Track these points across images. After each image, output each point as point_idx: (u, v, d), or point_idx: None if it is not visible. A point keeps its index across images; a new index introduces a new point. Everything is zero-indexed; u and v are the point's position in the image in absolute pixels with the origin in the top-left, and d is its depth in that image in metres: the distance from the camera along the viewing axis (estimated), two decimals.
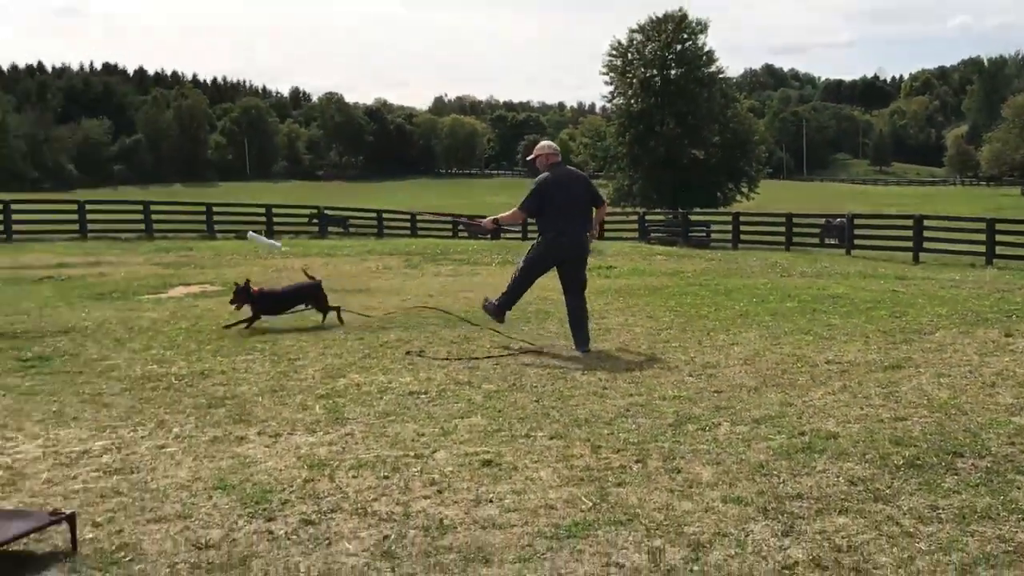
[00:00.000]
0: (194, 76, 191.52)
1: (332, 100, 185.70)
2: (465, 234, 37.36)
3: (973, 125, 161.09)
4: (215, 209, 33.07)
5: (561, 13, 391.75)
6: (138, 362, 8.74)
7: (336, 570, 4.18)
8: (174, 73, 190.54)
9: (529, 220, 10.15)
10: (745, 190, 66.61)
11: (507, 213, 9.79)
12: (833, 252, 28.24)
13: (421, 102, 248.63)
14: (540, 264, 9.56)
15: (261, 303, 10.66)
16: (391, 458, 5.74)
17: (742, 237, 32.14)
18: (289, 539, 4.53)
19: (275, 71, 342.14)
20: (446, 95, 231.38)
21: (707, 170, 63.49)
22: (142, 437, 6.30)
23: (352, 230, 36.91)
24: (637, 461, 5.62)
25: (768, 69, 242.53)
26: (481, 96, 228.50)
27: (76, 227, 28.51)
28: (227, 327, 10.41)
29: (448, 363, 8.51)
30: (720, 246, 31.88)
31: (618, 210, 54.03)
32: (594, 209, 9.62)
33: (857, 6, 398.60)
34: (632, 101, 65.37)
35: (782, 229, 31.07)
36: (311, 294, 11.05)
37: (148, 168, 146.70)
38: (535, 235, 9.70)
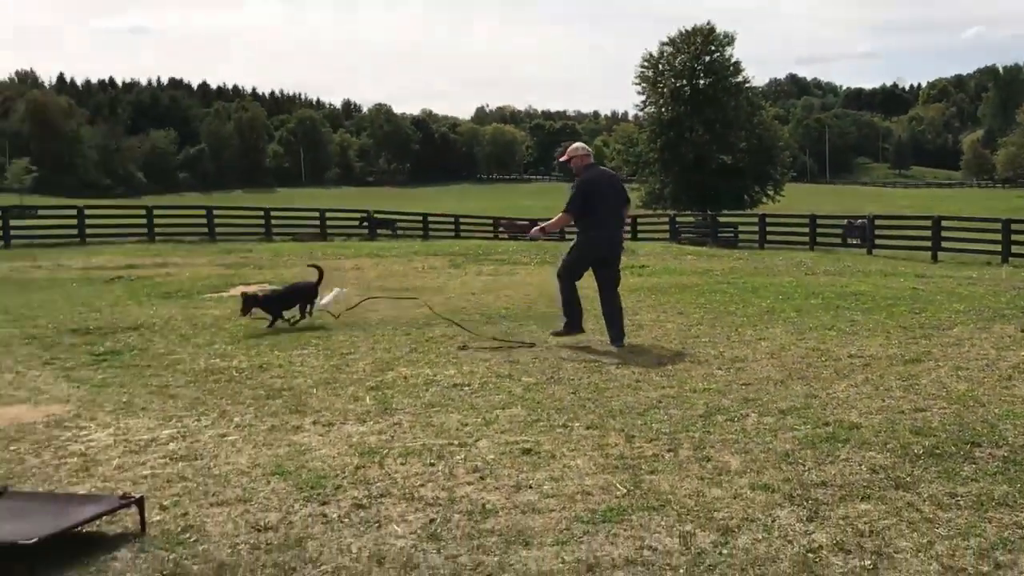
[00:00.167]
0: (253, 90, 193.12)
1: (381, 111, 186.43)
2: (505, 236, 37.39)
3: (988, 130, 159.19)
4: (273, 214, 33.27)
5: (595, 28, 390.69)
6: (201, 356, 8.82)
7: (385, 551, 4.19)
8: (235, 87, 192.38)
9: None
10: (771, 193, 66.22)
11: (553, 220, 9.57)
12: (855, 251, 27.97)
13: (464, 112, 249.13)
14: (580, 265, 9.33)
15: (268, 304, 10.56)
16: (437, 446, 5.75)
17: (768, 237, 31.92)
18: (342, 522, 4.54)
19: (328, 84, 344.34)
20: (487, 105, 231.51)
21: (734, 174, 63.18)
22: (205, 426, 6.35)
23: (399, 232, 37.02)
24: (669, 450, 5.59)
25: (792, 78, 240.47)
26: (520, 106, 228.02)
27: (144, 231, 28.81)
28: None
29: (489, 358, 8.50)
30: (747, 246, 31.68)
31: (650, 212, 53.93)
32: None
33: (876, 18, 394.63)
34: (663, 109, 65.17)
35: (806, 230, 30.82)
36: (309, 293, 10.85)
37: (211, 175, 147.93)
38: (572, 235, 9.59)
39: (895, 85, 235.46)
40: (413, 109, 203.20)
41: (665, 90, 65.27)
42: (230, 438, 6.04)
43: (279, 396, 7.15)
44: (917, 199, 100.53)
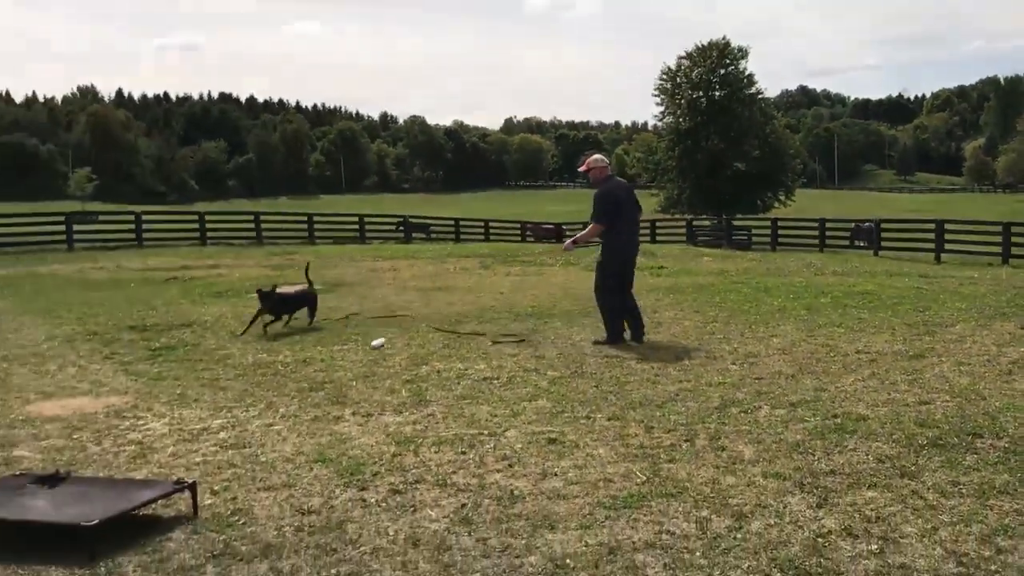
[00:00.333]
0: (297, 103, 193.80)
1: (416, 122, 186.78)
2: (532, 239, 37.37)
3: (990, 138, 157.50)
4: (315, 219, 33.39)
5: (617, 44, 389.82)
6: (250, 351, 8.87)
7: (420, 534, 4.20)
8: (280, 100, 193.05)
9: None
10: (782, 198, 65.71)
11: (585, 231, 9.39)
12: (862, 253, 27.74)
13: (493, 123, 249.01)
14: (612, 270, 9.19)
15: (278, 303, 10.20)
16: (468, 436, 5.76)
17: (780, 240, 31.73)
18: (379, 506, 4.56)
19: (366, 97, 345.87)
20: (515, 116, 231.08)
21: (748, 180, 62.76)
22: (253, 416, 6.39)
23: (433, 236, 37.07)
24: (686, 440, 5.58)
25: (802, 90, 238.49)
26: (546, 117, 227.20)
27: (197, 235, 28.97)
28: (242, 333, 9.79)
29: (517, 353, 8.50)
30: (760, 248, 31.49)
31: (668, 216, 53.72)
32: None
33: (883, 33, 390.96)
34: (680, 120, 64.83)
35: (816, 233, 30.62)
36: (310, 298, 10.52)
37: (258, 183, 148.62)
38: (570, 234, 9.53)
39: (900, 96, 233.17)
40: (445, 120, 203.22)
41: (683, 101, 64.93)
42: (276, 428, 6.08)
43: (321, 389, 7.19)
44: (921, 203, 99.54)
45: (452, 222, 38.33)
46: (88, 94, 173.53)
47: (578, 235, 9.53)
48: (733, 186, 62.02)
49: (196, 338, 9.65)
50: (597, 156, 9.61)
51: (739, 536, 4.10)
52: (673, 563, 3.85)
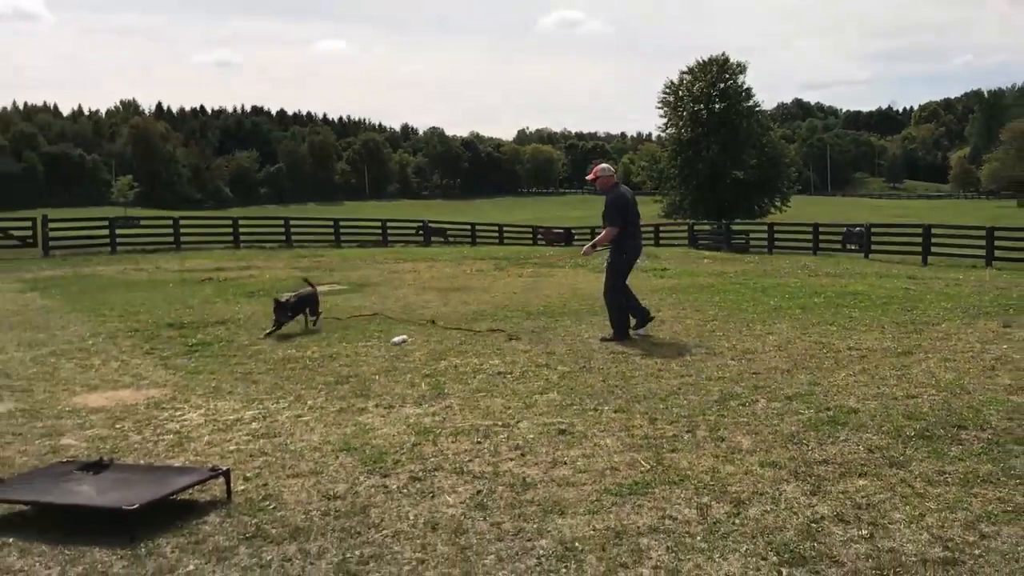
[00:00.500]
0: (324, 115, 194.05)
1: (435, 133, 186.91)
2: (543, 242, 37.34)
3: (974, 148, 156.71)
4: (341, 223, 33.38)
5: (623, 59, 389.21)
6: (280, 347, 8.89)
7: (438, 518, 4.20)
8: (308, 113, 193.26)
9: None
10: (778, 204, 65.52)
11: (602, 235, 9.24)
12: (853, 256, 27.58)
13: (507, 133, 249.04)
14: (622, 276, 9.22)
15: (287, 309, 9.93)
16: (483, 427, 5.76)
17: (776, 243, 31.58)
18: (400, 492, 4.56)
19: (388, 110, 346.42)
20: (528, 128, 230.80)
21: (746, 188, 62.58)
22: (283, 408, 6.40)
23: (451, 239, 37.09)
24: (687, 431, 5.56)
25: (797, 103, 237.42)
26: (556, 128, 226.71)
27: (231, 238, 29.02)
28: (269, 335, 9.51)
29: (529, 349, 8.50)
30: (757, 251, 31.36)
31: (671, 221, 53.63)
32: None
33: (873, 48, 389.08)
34: (682, 131, 64.73)
35: (810, 236, 30.47)
36: (312, 300, 10.21)
37: (287, 190, 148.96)
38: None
39: (890, 108, 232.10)
40: (462, 131, 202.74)
41: (684, 113, 64.84)
42: (304, 418, 6.09)
43: (346, 382, 7.19)
44: (909, 209, 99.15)
45: (468, 226, 38.35)
46: (130, 107, 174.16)
47: (595, 239, 9.38)
48: (732, 193, 61.90)
49: (230, 335, 9.67)
50: (604, 165, 9.63)
51: (737, 521, 4.08)
52: (675, 546, 3.84)
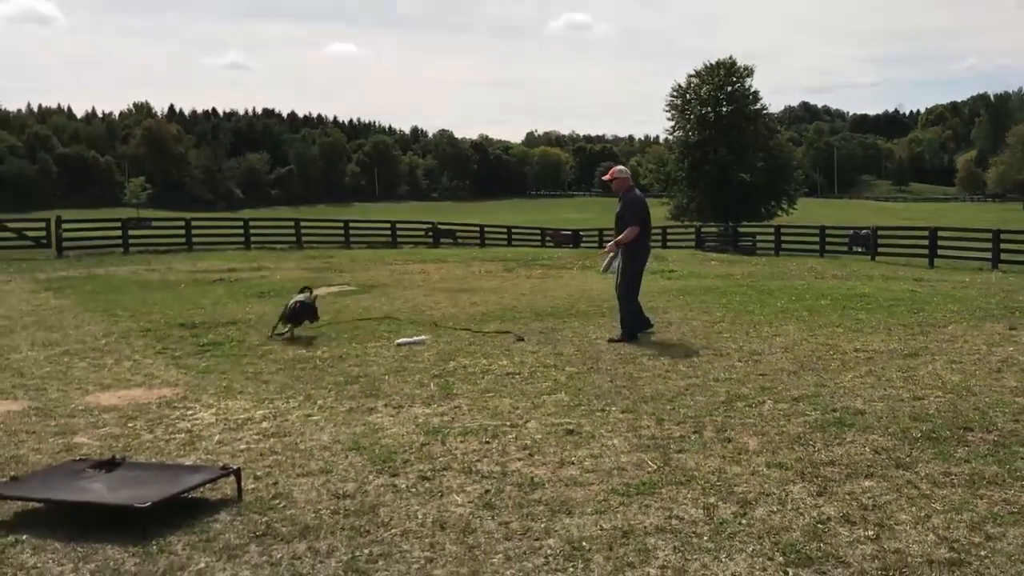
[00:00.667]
0: (334, 118, 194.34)
1: (444, 136, 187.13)
2: (552, 244, 37.32)
3: (980, 151, 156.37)
4: (351, 225, 33.41)
5: (630, 62, 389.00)
6: (290, 347, 8.90)
7: (447, 517, 4.20)
8: (319, 115, 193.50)
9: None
10: (785, 206, 65.44)
11: (625, 233, 9.08)
12: (860, 258, 27.51)
13: (516, 136, 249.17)
14: (639, 276, 9.26)
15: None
16: (491, 427, 5.76)
17: (783, 246, 31.49)
18: (409, 491, 4.57)
19: (398, 112, 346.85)
20: (536, 130, 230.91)
21: (753, 190, 62.50)
22: (293, 407, 6.41)
23: (460, 241, 37.08)
24: (694, 432, 5.55)
25: (804, 106, 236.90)
26: (564, 131, 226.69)
27: (242, 239, 29.04)
28: (278, 335, 9.44)
29: (537, 350, 8.50)
30: (764, 253, 31.30)
31: (678, 223, 53.57)
32: None
33: (880, 52, 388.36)
34: (690, 133, 64.69)
35: (816, 239, 30.37)
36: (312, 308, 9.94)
37: (298, 192, 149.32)
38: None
39: (896, 111, 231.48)
40: (471, 134, 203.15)
41: (692, 116, 64.80)
42: (314, 418, 6.10)
43: (356, 382, 7.20)
44: (916, 212, 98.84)
45: (477, 228, 38.32)
46: (143, 109, 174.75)
47: (619, 237, 9.19)
48: (739, 195, 61.83)
49: (241, 335, 9.69)
50: (621, 167, 9.66)
51: (744, 522, 4.08)
52: (682, 546, 3.83)
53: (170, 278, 17.09)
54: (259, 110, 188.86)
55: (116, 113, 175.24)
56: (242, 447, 5.43)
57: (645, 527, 4.04)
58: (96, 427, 5.97)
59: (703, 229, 39.45)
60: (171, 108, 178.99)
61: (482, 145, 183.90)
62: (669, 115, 65.93)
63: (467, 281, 16.10)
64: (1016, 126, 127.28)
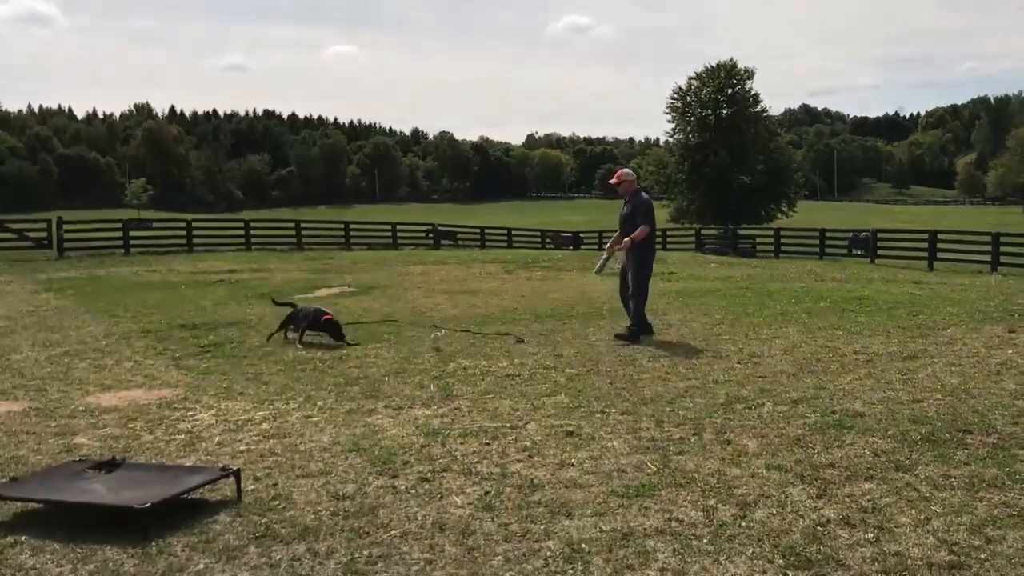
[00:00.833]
0: (335, 119, 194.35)
1: (444, 137, 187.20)
2: (551, 246, 37.32)
3: (980, 154, 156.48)
4: (351, 226, 33.42)
5: (630, 64, 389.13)
6: (290, 348, 8.90)
7: (446, 519, 4.19)
8: (319, 117, 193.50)
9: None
10: (785, 209, 65.42)
11: (638, 231, 9.08)
12: (859, 261, 27.51)
13: (516, 138, 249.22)
14: (649, 270, 9.40)
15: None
16: (491, 428, 5.75)
17: (782, 248, 31.50)
18: (409, 493, 4.56)
19: (399, 114, 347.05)
20: (536, 132, 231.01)
21: (753, 192, 62.49)
22: (293, 409, 6.41)
23: (460, 243, 37.07)
24: (694, 434, 5.55)
25: (805, 108, 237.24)
26: (565, 133, 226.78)
27: (243, 240, 29.03)
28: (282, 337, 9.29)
29: (537, 352, 8.49)
30: (764, 256, 31.30)
31: (678, 226, 53.58)
32: None
33: (880, 55, 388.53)
34: (690, 136, 64.68)
35: (816, 241, 30.36)
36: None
37: (298, 193, 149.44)
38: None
39: (896, 114, 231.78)
40: (472, 136, 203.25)
41: (692, 119, 64.79)
42: (314, 419, 6.09)
43: (356, 384, 7.20)
44: (915, 215, 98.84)
45: (478, 230, 38.32)
46: (143, 110, 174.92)
47: (634, 234, 9.13)
48: (739, 198, 61.82)
49: (241, 336, 9.69)
50: (627, 170, 9.76)
51: (743, 524, 4.07)
52: (681, 548, 3.83)
53: (171, 279, 17.09)
54: (260, 111, 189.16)
55: (117, 114, 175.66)
56: (242, 448, 5.42)
57: (645, 529, 4.03)
58: (96, 428, 5.97)
59: (703, 231, 39.46)
60: (172, 109, 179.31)
61: (482, 147, 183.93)
62: (669, 117, 65.97)
63: (467, 283, 16.10)
64: (1016, 129, 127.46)
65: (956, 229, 32.02)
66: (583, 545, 3.87)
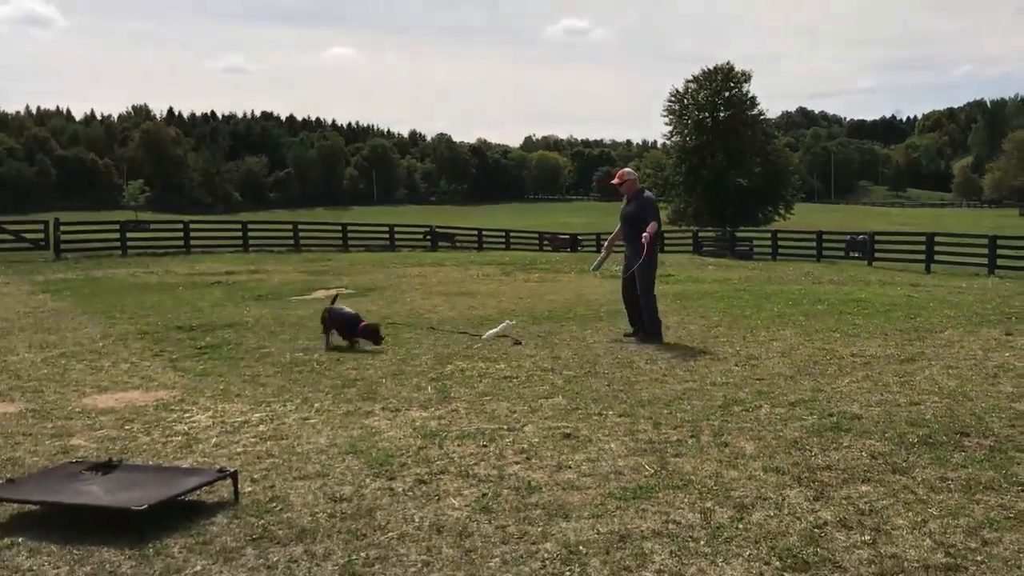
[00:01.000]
0: (333, 121, 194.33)
1: (442, 139, 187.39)
2: (549, 248, 37.31)
3: (977, 157, 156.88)
4: (349, 228, 33.39)
5: (628, 67, 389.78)
6: (287, 350, 8.89)
7: (444, 521, 4.19)
8: (317, 119, 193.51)
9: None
10: (782, 211, 65.56)
11: (649, 229, 9.02)
12: (857, 263, 27.55)
13: (514, 140, 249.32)
14: (656, 268, 9.48)
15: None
16: (488, 430, 5.75)
17: (780, 250, 31.54)
18: (406, 495, 4.55)
19: (397, 116, 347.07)
20: (534, 134, 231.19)
21: (750, 195, 62.60)
22: (290, 410, 6.40)
23: (458, 244, 37.05)
24: (691, 436, 5.54)
25: (802, 111, 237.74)
26: (563, 135, 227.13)
27: (240, 242, 29.00)
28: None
29: (535, 354, 8.49)
30: (761, 258, 31.33)
31: (675, 228, 53.59)
32: None
33: (877, 58, 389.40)
34: (687, 138, 64.81)
35: (813, 244, 30.42)
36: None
37: (296, 195, 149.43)
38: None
39: (894, 117, 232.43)
40: (470, 138, 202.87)
41: (689, 121, 64.93)
42: (311, 421, 6.08)
43: (353, 385, 7.19)
44: (912, 217, 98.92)
45: (475, 232, 38.29)
46: (142, 112, 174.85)
47: (649, 229, 9.02)
48: (736, 200, 61.94)
49: (239, 337, 9.68)
50: (629, 170, 9.80)
51: (741, 526, 4.07)
52: (679, 550, 3.82)
53: (168, 280, 17.07)
54: (258, 113, 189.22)
55: (115, 116, 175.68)
56: (239, 450, 5.42)
57: (642, 531, 4.03)
58: (93, 429, 5.96)
59: (700, 234, 39.50)
60: (170, 111, 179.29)
61: (480, 149, 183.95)
62: (667, 120, 66.11)
63: (465, 285, 16.10)
64: (1012, 132, 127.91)
65: (953, 232, 32.04)
66: (580, 547, 3.87)
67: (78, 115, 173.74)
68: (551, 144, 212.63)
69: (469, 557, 3.80)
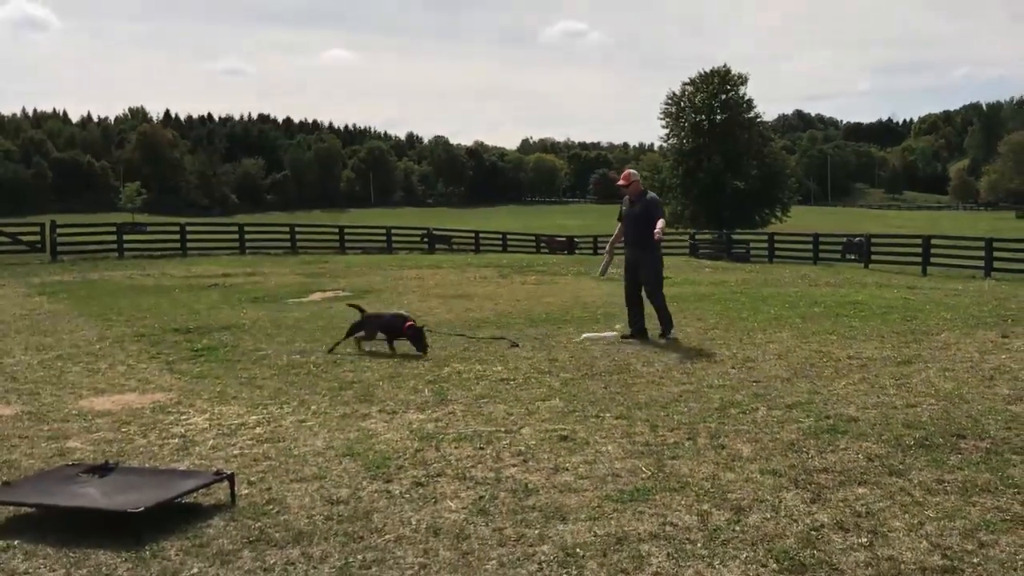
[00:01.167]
0: (330, 123, 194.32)
1: (439, 142, 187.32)
2: (546, 250, 37.32)
3: (973, 159, 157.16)
4: (346, 231, 33.36)
5: (625, 70, 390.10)
6: (284, 352, 8.88)
7: (441, 523, 4.19)
8: (314, 121, 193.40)
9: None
10: (779, 214, 65.70)
11: (661, 224, 9.14)
12: (853, 266, 27.56)
13: (511, 143, 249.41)
14: (662, 266, 9.65)
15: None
16: (485, 432, 5.75)
17: (776, 253, 31.57)
18: (403, 497, 4.55)
19: (394, 119, 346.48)
20: (531, 137, 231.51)
21: (747, 197, 62.74)
22: (287, 413, 6.39)
23: (455, 247, 37.04)
24: (688, 438, 5.55)
25: (798, 114, 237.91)
26: (560, 138, 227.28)
27: (237, 244, 28.93)
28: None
29: (532, 356, 8.49)
30: (758, 260, 31.35)
31: (672, 230, 53.64)
32: None
33: (874, 60, 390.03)
34: (684, 141, 64.96)
35: (810, 246, 30.44)
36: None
37: (293, 197, 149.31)
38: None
39: (890, 119, 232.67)
40: (467, 140, 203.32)
41: (686, 124, 65.09)
42: (308, 424, 6.08)
43: (350, 388, 7.18)
44: (909, 220, 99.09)
45: (472, 234, 38.29)
46: (138, 114, 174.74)
47: (660, 225, 9.09)
48: (733, 203, 62.08)
49: (235, 340, 9.67)
50: (633, 172, 9.87)
51: (737, 528, 4.07)
52: (676, 553, 3.82)
53: (164, 283, 17.05)
54: (255, 115, 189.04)
55: (112, 118, 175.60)
56: (236, 452, 5.41)
57: (639, 534, 4.03)
58: (89, 432, 5.95)
59: (697, 236, 39.56)
60: (167, 113, 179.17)
61: (477, 151, 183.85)
62: (664, 123, 66.33)
63: (462, 287, 16.10)
64: (1008, 135, 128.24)
65: (949, 234, 32.10)
66: (577, 549, 3.87)
67: (75, 117, 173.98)
68: (548, 146, 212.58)
69: (466, 559, 3.80)
